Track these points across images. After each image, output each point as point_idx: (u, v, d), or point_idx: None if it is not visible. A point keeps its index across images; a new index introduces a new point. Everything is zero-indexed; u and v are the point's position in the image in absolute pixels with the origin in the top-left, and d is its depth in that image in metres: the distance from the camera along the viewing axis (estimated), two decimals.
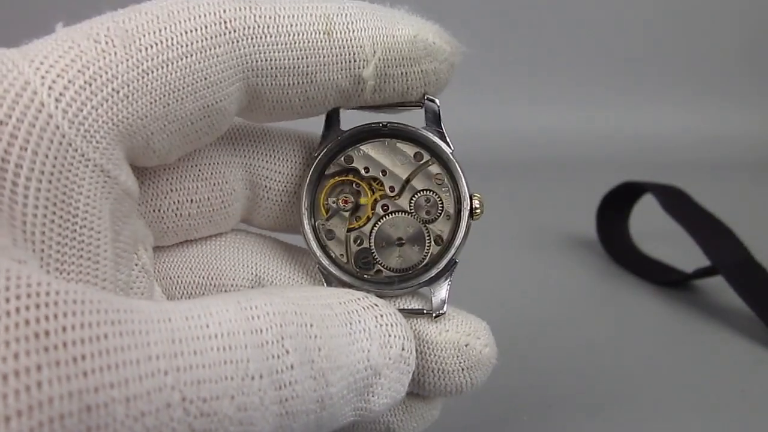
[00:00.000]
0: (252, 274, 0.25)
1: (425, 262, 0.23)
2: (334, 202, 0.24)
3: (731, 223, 0.50)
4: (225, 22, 0.20)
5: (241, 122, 0.25)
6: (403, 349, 0.20)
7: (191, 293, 0.25)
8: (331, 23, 0.21)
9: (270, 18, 0.21)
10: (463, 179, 0.23)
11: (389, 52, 0.22)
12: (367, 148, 0.24)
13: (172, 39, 0.19)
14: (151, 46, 0.19)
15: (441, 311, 0.23)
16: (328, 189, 0.24)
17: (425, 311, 0.23)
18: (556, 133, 1.07)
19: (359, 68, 0.22)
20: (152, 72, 0.19)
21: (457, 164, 0.23)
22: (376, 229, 0.24)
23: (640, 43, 1.16)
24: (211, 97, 0.20)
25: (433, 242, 0.24)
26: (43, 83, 0.17)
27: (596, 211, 0.61)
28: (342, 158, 0.24)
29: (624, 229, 0.60)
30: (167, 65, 0.19)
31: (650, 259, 0.56)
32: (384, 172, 0.24)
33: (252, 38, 0.20)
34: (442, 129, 0.23)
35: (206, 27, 0.20)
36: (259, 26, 0.20)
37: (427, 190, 0.23)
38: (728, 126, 1.11)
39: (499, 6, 1.12)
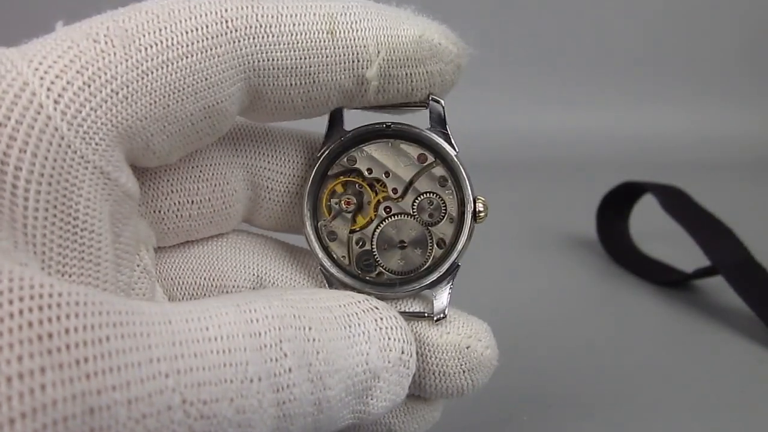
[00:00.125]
0: (253, 275, 0.25)
1: (427, 265, 0.23)
2: (336, 203, 0.24)
3: (731, 223, 0.50)
4: (226, 22, 0.20)
5: (242, 122, 0.25)
6: (402, 353, 0.20)
7: (193, 294, 0.25)
8: (334, 22, 0.21)
9: (272, 17, 0.20)
10: (467, 182, 0.23)
11: (393, 52, 0.21)
12: (371, 149, 0.23)
13: (173, 39, 0.19)
14: (151, 46, 0.19)
15: (442, 315, 0.23)
16: (331, 190, 0.24)
17: (426, 314, 0.23)
18: (556, 133, 1.07)
19: (362, 68, 0.21)
20: (152, 72, 0.19)
21: (461, 166, 0.23)
22: (378, 231, 0.23)
23: (640, 43, 1.16)
24: (212, 98, 0.20)
25: (435, 245, 0.23)
26: (42, 84, 0.17)
27: (596, 211, 0.61)
28: (345, 159, 0.24)
29: (624, 229, 0.60)
30: (167, 65, 0.19)
31: (650, 259, 0.56)
32: (387, 174, 0.23)
33: (254, 38, 0.20)
34: (446, 130, 0.23)
35: (207, 26, 0.19)
36: (261, 26, 0.20)
37: (430, 192, 0.23)
38: (728, 126, 1.11)
39: (499, 6, 1.12)
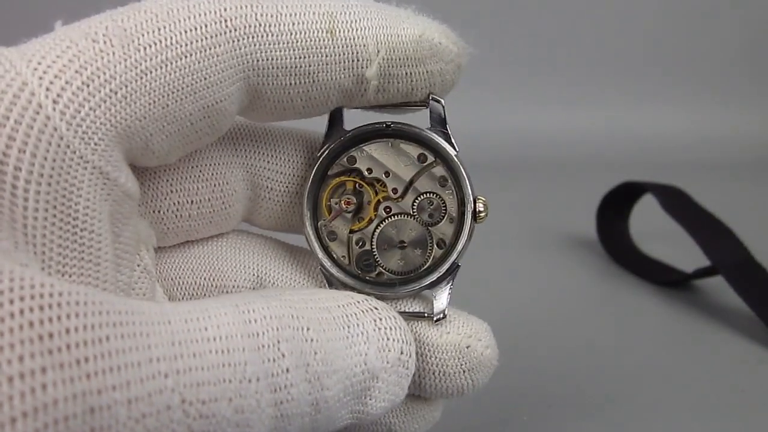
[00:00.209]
0: (253, 275, 0.25)
1: (427, 265, 0.23)
2: (336, 203, 0.24)
3: (731, 223, 0.50)
4: (225, 21, 0.20)
5: (242, 122, 0.25)
6: (401, 353, 0.20)
7: (193, 294, 0.25)
8: (334, 21, 0.21)
9: (271, 16, 0.20)
10: (467, 182, 0.23)
11: (393, 51, 0.21)
12: (371, 149, 0.23)
13: (172, 38, 0.19)
14: (150, 46, 0.19)
15: (442, 315, 0.23)
16: (331, 189, 0.24)
17: (426, 314, 0.23)
18: (556, 133, 1.07)
19: (362, 68, 0.21)
20: (151, 72, 0.19)
21: (461, 166, 0.23)
22: (378, 231, 0.23)
23: (640, 43, 1.16)
24: (211, 98, 0.20)
25: (435, 245, 0.23)
26: (41, 84, 0.17)
27: (596, 211, 0.61)
28: (345, 159, 0.23)
29: (624, 229, 0.60)
30: (166, 65, 0.19)
31: (650, 259, 0.56)
32: (387, 174, 0.23)
33: (253, 37, 0.20)
34: (447, 130, 0.23)
35: (206, 26, 0.19)
36: (260, 25, 0.20)
37: (430, 192, 0.23)
38: (728, 126, 1.11)
39: (499, 6, 1.12)
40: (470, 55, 0.23)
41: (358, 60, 0.21)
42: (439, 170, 0.23)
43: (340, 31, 0.21)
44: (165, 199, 0.23)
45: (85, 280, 0.18)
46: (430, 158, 0.23)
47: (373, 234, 0.23)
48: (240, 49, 0.20)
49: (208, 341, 0.16)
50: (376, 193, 0.24)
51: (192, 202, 0.23)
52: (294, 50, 0.21)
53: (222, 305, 0.17)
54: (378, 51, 0.21)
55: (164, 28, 0.19)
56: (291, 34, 0.20)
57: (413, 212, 0.23)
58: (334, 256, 0.24)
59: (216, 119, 0.21)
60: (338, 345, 0.19)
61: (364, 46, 0.21)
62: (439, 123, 0.23)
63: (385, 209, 0.24)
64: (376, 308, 0.21)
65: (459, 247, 0.23)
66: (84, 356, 0.14)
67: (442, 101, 0.23)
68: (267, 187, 0.25)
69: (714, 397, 0.37)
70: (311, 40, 0.21)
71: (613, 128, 1.09)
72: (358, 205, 0.24)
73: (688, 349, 0.42)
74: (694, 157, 1.00)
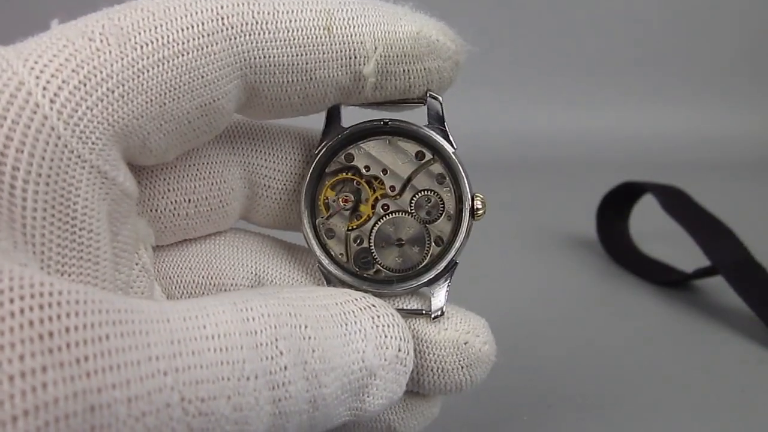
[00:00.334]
0: (251, 273, 0.25)
1: (425, 262, 0.23)
2: (334, 201, 0.24)
3: (731, 223, 0.50)
4: (222, 19, 0.20)
5: (239, 119, 0.25)
6: (399, 350, 0.20)
7: (191, 292, 0.24)
8: (331, 18, 0.21)
9: (268, 14, 0.20)
10: (465, 179, 0.23)
11: (391, 48, 0.21)
12: (368, 146, 0.23)
13: (168, 36, 0.19)
14: (147, 44, 0.19)
15: (440, 312, 0.23)
16: (329, 187, 0.24)
17: (424, 312, 0.23)
18: (556, 133, 1.07)
19: (359, 65, 0.21)
20: (147, 71, 0.19)
21: (459, 164, 0.23)
22: (376, 228, 0.23)
23: (640, 43, 1.16)
24: (209, 96, 0.20)
25: (433, 243, 0.23)
26: (37, 84, 0.17)
27: (596, 211, 0.61)
28: (342, 156, 0.23)
29: (624, 229, 0.60)
30: (163, 64, 0.19)
31: (650, 259, 0.56)
32: (385, 171, 0.23)
33: (250, 35, 0.20)
34: (445, 127, 0.23)
35: (203, 24, 0.19)
36: (257, 22, 0.20)
37: (428, 190, 0.23)
38: (728, 126, 1.11)
39: (498, 5, 1.12)
40: (468, 52, 0.23)
41: (355, 57, 0.21)
42: (437, 167, 0.23)
43: (337, 28, 0.21)
44: (162, 197, 0.23)
45: (84, 279, 0.18)
46: (428, 156, 0.23)
47: (371, 231, 0.23)
48: (237, 47, 0.20)
49: (207, 339, 0.16)
50: (374, 191, 0.23)
51: (189, 200, 0.23)
52: (291, 48, 0.21)
53: (220, 303, 0.17)
54: (375, 48, 0.21)
55: (161, 26, 0.19)
56: (288, 31, 0.20)
57: (411, 210, 0.23)
58: (332, 253, 0.24)
59: (213, 117, 0.21)
60: (336, 342, 0.19)
61: (362, 43, 0.21)
62: (437, 120, 0.23)
63: (382, 207, 0.23)
64: (373, 306, 0.21)
65: (457, 244, 0.23)
66: (84, 355, 0.14)
67: (440, 98, 0.23)
68: (264, 185, 0.24)
69: (714, 397, 0.37)
70: (308, 38, 0.21)
71: (613, 128, 1.09)
72: (355, 203, 0.24)
73: (688, 349, 0.42)
74: (694, 157, 1.01)
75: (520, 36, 1.13)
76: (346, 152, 0.23)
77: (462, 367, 0.23)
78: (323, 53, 0.21)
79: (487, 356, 0.23)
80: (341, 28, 0.21)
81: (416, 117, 0.23)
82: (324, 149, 0.23)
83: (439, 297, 0.23)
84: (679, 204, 0.54)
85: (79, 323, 0.14)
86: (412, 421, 0.24)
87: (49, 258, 0.17)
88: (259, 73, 0.21)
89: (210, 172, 0.23)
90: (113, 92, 0.18)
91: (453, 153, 0.23)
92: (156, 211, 0.23)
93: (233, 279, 0.24)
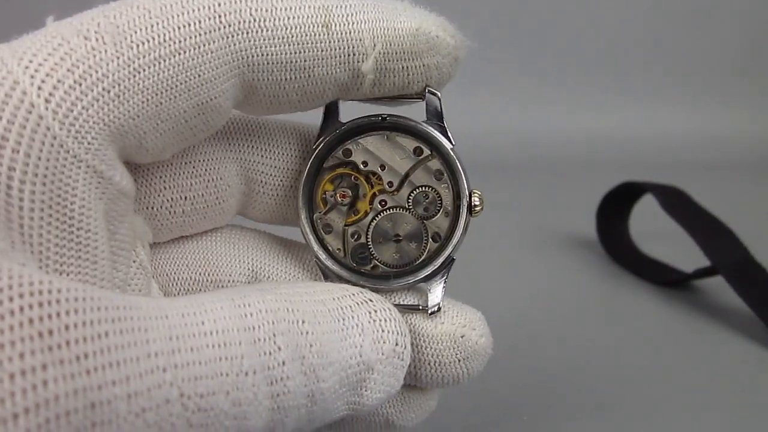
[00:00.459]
0: (248, 269, 0.25)
1: (422, 258, 0.23)
2: (332, 196, 0.23)
3: (731, 223, 0.50)
4: (219, 17, 0.19)
5: (235, 116, 0.25)
6: (396, 344, 0.20)
7: (188, 289, 0.24)
8: (329, 15, 0.21)
9: (266, 11, 0.20)
10: (463, 175, 0.23)
11: (390, 45, 0.21)
12: (366, 142, 0.23)
13: (165, 35, 0.19)
14: (143, 43, 0.18)
15: (436, 308, 0.23)
16: (326, 182, 0.24)
17: (421, 307, 0.23)
18: (556, 133, 1.07)
19: (358, 62, 0.21)
20: (144, 70, 0.18)
21: (457, 160, 0.23)
22: (373, 224, 0.23)
23: (640, 43, 1.17)
24: (206, 95, 0.20)
25: (430, 239, 0.23)
26: (32, 83, 0.17)
27: (596, 211, 0.61)
28: (340, 151, 0.23)
29: (624, 229, 0.60)
30: (159, 63, 0.19)
31: (650, 259, 0.56)
32: (383, 167, 0.23)
33: (247, 33, 0.20)
34: (443, 123, 0.23)
35: (200, 22, 0.19)
36: (254, 20, 0.20)
37: (426, 186, 0.23)
38: (728, 126, 1.11)
39: (498, 6, 1.12)
40: (467, 47, 0.23)
41: (354, 54, 0.21)
42: (435, 163, 0.23)
43: (336, 25, 0.21)
44: (158, 195, 0.23)
45: (83, 277, 0.18)
46: (426, 151, 0.23)
47: (368, 227, 0.23)
48: (234, 45, 0.20)
49: (205, 335, 0.16)
50: (372, 186, 0.23)
51: (186, 198, 0.23)
52: (289, 45, 0.20)
53: (218, 299, 0.17)
54: (374, 45, 0.21)
55: (157, 24, 0.19)
56: (286, 28, 0.20)
57: (409, 205, 0.23)
58: (330, 248, 0.24)
59: (211, 116, 0.21)
60: (333, 337, 0.19)
61: (361, 40, 0.21)
62: (436, 116, 0.23)
63: (380, 202, 0.23)
64: (370, 300, 0.21)
65: (454, 240, 0.23)
66: (83, 352, 0.14)
67: (439, 94, 0.23)
68: (261, 181, 0.24)
69: (714, 397, 0.36)
70: (307, 35, 0.20)
71: (613, 128, 1.09)
72: (353, 198, 0.23)
73: (688, 349, 0.42)
74: (694, 157, 1.01)
75: (521, 36, 1.13)
76: (343, 147, 0.23)
77: (459, 361, 0.23)
78: (322, 51, 0.21)
79: (483, 349, 0.23)
80: (340, 25, 0.21)
81: (414, 112, 0.23)
82: (322, 144, 0.23)
83: (435, 293, 0.23)
84: (679, 204, 0.54)
85: (78, 321, 0.14)
86: (410, 415, 0.24)
87: (47, 257, 0.17)
88: (257, 71, 0.20)
89: (206, 170, 0.23)
90: (109, 92, 0.18)
91: (451, 149, 0.23)
92: (152, 208, 0.23)
93: (230, 275, 0.24)
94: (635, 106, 1.13)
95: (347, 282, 0.23)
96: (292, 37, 0.20)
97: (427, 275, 0.23)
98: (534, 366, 0.39)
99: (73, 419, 0.13)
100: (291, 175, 0.24)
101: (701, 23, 1.17)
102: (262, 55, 0.20)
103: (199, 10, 0.19)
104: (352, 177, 0.23)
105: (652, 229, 0.59)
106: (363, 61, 0.21)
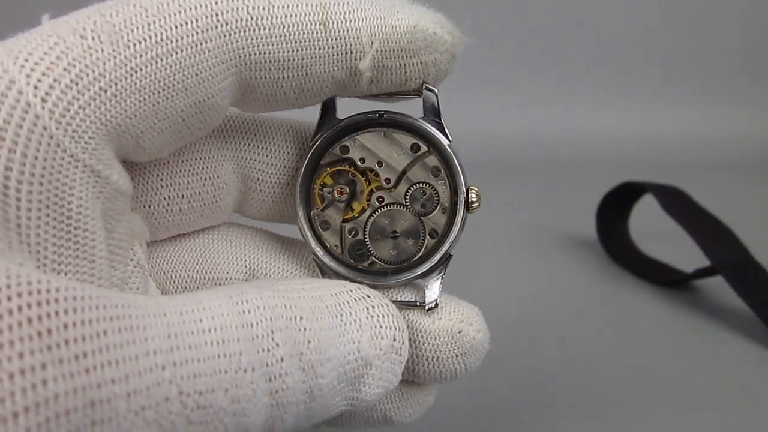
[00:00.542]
0: (246, 266, 0.25)
1: (419, 254, 0.23)
2: (329, 193, 0.23)
3: (731, 223, 0.50)
4: (216, 15, 0.19)
5: (232, 113, 0.25)
6: (394, 340, 0.20)
7: (185, 287, 0.24)
8: (327, 13, 0.21)
9: (263, 9, 0.20)
10: (460, 172, 0.23)
11: (387, 43, 0.21)
12: (363, 138, 0.23)
13: (162, 34, 0.19)
14: (140, 42, 0.18)
15: (433, 304, 0.23)
16: (324, 179, 0.23)
17: (418, 303, 0.23)
18: (556, 133, 1.07)
19: (356, 60, 0.21)
20: (141, 69, 0.18)
21: (454, 156, 0.23)
22: (371, 220, 0.23)
23: (640, 43, 1.17)
24: (203, 93, 0.20)
25: (428, 235, 0.23)
26: (28, 82, 0.17)
27: (596, 211, 0.61)
28: (338, 148, 0.23)
29: (624, 229, 0.60)
30: (156, 62, 0.18)
31: (650, 259, 0.56)
32: (380, 163, 0.23)
33: (245, 31, 0.20)
34: (440, 119, 0.23)
35: (197, 20, 0.19)
36: (252, 18, 0.20)
37: (423, 182, 0.23)
38: (728, 126, 1.11)
39: (498, 6, 1.12)
40: (465, 44, 0.23)
41: (351, 52, 0.21)
42: (432, 160, 0.23)
43: (333, 23, 0.21)
44: (155, 193, 0.23)
45: (81, 277, 0.18)
46: (423, 148, 0.23)
47: (365, 223, 0.23)
48: (232, 43, 0.20)
49: (203, 333, 0.16)
50: (369, 183, 0.23)
51: (183, 196, 0.23)
52: (287, 44, 0.20)
53: (216, 297, 0.17)
54: (372, 43, 0.21)
55: (154, 23, 0.19)
56: (283, 27, 0.20)
57: (406, 202, 0.23)
58: (327, 245, 0.24)
59: (208, 114, 0.20)
60: (331, 333, 0.19)
61: (358, 38, 0.21)
62: (433, 113, 0.23)
63: (377, 199, 0.23)
64: (368, 296, 0.21)
65: (451, 237, 0.23)
66: (82, 351, 0.14)
67: (436, 91, 0.23)
68: (258, 179, 0.24)
69: (714, 397, 0.36)
70: (304, 33, 0.20)
71: (613, 128, 1.09)
72: (350, 195, 0.23)
73: (688, 349, 0.42)
74: (694, 157, 1.01)
75: (521, 36, 1.14)
76: (341, 144, 0.23)
77: (456, 356, 0.23)
78: (319, 49, 0.21)
79: (480, 344, 0.23)
80: (337, 23, 0.21)
81: (412, 109, 0.23)
82: (319, 141, 0.23)
83: (433, 289, 0.23)
84: (679, 204, 0.54)
85: (77, 320, 0.14)
86: (408, 410, 0.24)
87: (45, 257, 0.17)
88: (255, 70, 0.20)
89: (203, 168, 0.23)
90: (106, 91, 0.18)
91: (448, 145, 0.23)
92: (149, 207, 0.23)
93: (227, 273, 0.24)
94: (635, 106, 1.13)
95: (345, 278, 0.23)
96: (290, 35, 0.20)
97: (424, 271, 0.23)
98: (534, 366, 0.39)
99: (72, 418, 0.13)
100: (288, 172, 0.24)
101: (701, 23, 1.17)
102: (260, 53, 0.20)
103: (196, 8, 0.19)
104: (350, 174, 0.23)
105: (652, 229, 0.59)
106: (360, 59, 0.21)
